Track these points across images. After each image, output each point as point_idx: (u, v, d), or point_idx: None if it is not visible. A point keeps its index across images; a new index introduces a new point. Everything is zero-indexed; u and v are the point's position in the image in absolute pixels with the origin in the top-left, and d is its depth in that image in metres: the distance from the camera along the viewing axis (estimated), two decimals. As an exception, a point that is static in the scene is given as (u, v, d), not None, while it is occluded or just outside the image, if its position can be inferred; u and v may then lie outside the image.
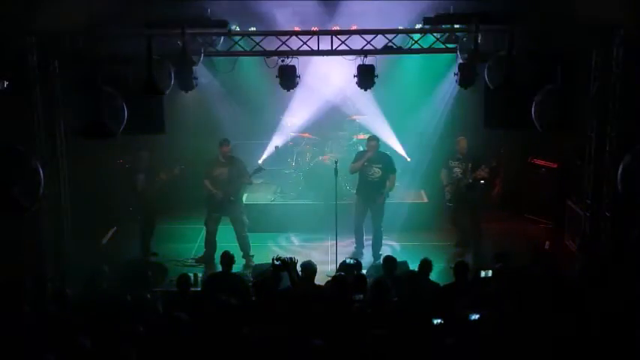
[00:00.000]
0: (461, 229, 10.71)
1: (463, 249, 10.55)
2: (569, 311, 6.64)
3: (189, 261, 10.37)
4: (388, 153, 10.91)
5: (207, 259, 10.27)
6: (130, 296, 7.19)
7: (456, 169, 10.36)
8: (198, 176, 10.49)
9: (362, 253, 10.37)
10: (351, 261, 8.30)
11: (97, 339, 6.03)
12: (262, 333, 6.07)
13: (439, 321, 6.31)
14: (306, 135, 12.45)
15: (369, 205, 10.37)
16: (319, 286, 7.72)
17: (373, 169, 10.25)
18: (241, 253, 10.19)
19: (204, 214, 10.41)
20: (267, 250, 10.54)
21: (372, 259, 10.27)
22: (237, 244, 10.22)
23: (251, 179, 10.43)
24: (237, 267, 9.93)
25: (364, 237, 10.53)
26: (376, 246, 10.43)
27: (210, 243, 10.31)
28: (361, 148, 12.19)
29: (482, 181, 10.24)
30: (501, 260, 7.89)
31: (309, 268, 7.64)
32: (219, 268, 8.39)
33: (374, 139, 10.41)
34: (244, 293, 7.56)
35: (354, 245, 10.56)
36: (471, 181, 10.18)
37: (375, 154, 10.28)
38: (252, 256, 10.26)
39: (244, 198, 11.55)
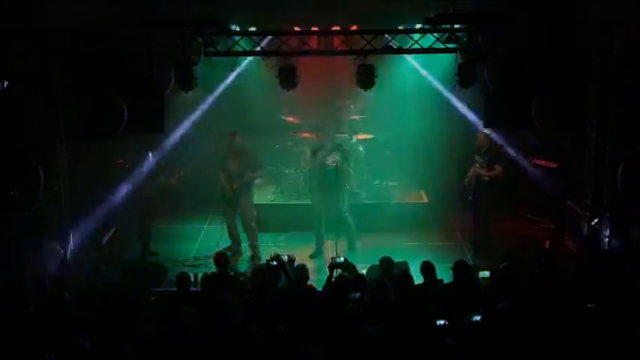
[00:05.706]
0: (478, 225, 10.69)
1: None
2: (569, 311, 6.63)
3: (190, 259, 10.37)
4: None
5: (234, 249, 10.39)
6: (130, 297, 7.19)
7: (477, 165, 10.37)
8: (198, 177, 10.43)
9: (322, 251, 10.54)
10: (340, 259, 8.10)
11: (97, 339, 6.02)
12: (262, 333, 6.07)
13: (442, 322, 6.29)
14: (306, 135, 12.44)
15: (325, 195, 10.38)
16: (312, 286, 7.71)
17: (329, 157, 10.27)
18: (248, 244, 10.46)
19: (220, 207, 10.60)
20: (268, 250, 10.51)
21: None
22: (245, 235, 10.46)
23: (257, 175, 10.47)
24: (243, 262, 10.36)
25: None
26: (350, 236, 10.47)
27: (233, 235, 10.52)
28: (361, 148, 12.23)
29: (486, 179, 10.26)
30: (508, 260, 7.85)
31: (302, 273, 7.64)
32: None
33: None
34: (239, 294, 7.57)
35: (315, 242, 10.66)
36: (486, 179, 10.20)
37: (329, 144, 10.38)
38: (259, 247, 10.35)
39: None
